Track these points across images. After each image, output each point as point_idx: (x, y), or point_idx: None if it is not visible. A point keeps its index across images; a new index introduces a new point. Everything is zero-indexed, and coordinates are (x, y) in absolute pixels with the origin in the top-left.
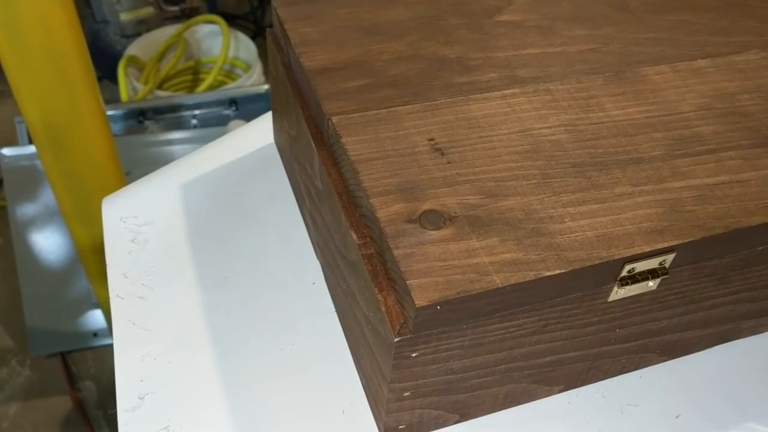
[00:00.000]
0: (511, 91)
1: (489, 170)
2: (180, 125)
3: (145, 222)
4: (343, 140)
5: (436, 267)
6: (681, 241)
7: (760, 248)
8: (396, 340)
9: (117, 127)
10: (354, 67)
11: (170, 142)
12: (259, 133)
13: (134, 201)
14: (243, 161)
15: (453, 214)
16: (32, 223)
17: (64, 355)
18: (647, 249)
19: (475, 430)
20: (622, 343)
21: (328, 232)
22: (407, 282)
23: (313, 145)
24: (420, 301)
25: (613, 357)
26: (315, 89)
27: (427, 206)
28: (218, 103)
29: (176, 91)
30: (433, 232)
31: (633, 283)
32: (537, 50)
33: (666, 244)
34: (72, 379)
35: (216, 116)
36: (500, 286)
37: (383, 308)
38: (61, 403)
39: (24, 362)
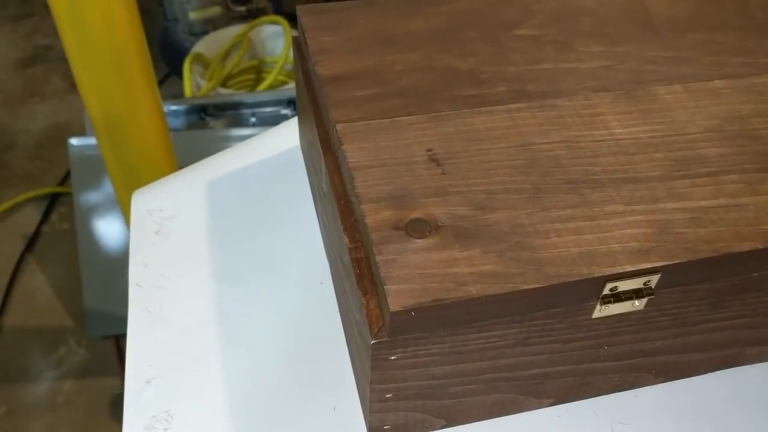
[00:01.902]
0: (517, 105)
1: (482, 182)
2: (239, 122)
3: (170, 215)
4: (344, 147)
5: (416, 274)
6: (666, 263)
7: (756, 274)
8: (373, 342)
9: (179, 122)
10: (366, 76)
11: (228, 139)
12: (286, 136)
13: (162, 195)
14: (269, 162)
15: (440, 223)
16: (95, 210)
17: (117, 338)
18: (630, 268)
19: None
20: (612, 360)
21: (330, 235)
22: (385, 287)
23: (321, 150)
24: (394, 306)
25: (605, 374)
26: (326, 96)
27: (415, 215)
28: (276, 102)
29: (239, 89)
30: (417, 240)
31: (616, 301)
32: (550, 65)
33: (650, 265)
34: (123, 362)
35: (274, 115)
36: (476, 296)
37: (365, 311)
38: (112, 384)
39: (81, 342)
